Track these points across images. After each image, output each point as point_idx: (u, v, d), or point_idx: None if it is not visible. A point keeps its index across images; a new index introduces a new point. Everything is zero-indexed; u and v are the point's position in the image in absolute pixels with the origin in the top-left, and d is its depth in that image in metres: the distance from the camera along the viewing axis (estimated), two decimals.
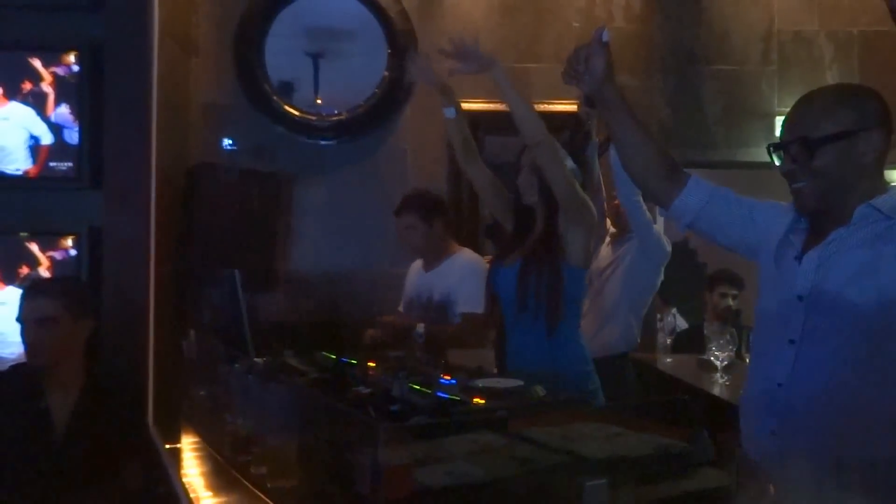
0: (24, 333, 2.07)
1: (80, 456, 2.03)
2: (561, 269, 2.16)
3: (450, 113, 2.43)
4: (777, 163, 1.42)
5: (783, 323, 1.39)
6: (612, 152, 2.81)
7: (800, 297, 1.37)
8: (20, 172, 2.68)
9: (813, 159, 1.35)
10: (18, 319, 2.08)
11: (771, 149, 1.43)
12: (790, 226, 1.45)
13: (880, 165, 1.39)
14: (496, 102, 3.68)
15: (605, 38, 1.47)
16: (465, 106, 3.67)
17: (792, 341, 1.37)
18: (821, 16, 3.85)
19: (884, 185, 1.39)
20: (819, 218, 1.41)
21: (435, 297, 2.75)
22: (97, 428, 2.06)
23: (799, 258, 1.41)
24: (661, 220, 3.19)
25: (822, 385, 1.33)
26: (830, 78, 3.80)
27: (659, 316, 3.89)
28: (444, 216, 2.86)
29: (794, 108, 1.43)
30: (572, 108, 3.41)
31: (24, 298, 2.11)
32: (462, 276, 2.73)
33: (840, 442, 1.31)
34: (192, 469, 1.96)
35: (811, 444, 1.33)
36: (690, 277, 4.57)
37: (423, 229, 2.77)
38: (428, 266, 2.85)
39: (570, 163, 2.23)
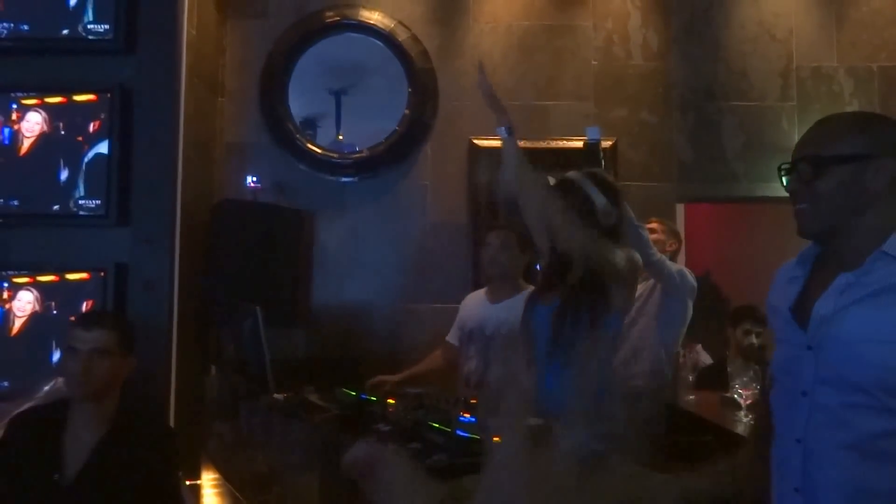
0: (71, 362, 2.04)
1: (93, 497, 1.97)
2: (600, 316, 2.03)
3: (502, 132, 2.30)
4: (785, 182, 1.37)
5: (794, 375, 1.33)
6: None
7: (809, 347, 1.31)
8: (50, 210, 2.75)
9: (817, 179, 1.31)
10: (68, 348, 2.06)
11: (781, 169, 1.38)
12: (795, 273, 1.40)
13: (893, 199, 1.30)
14: (523, 139, 3.75)
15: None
16: (483, 143, 3.75)
17: (804, 393, 1.31)
18: (839, 51, 3.86)
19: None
20: (827, 259, 1.36)
21: (502, 331, 2.69)
22: (115, 472, 2.00)
23: (807, 307, 1.34)
24: (682, 257, 3.18)
25: (839, 439, 1.27)
26: None
27: (682, 352, 3.84)
28: (529, 253, 2.82)
29: (810, 129, 1.40)
30: None
31: (77, 328, 2.09)
32: None
33: (864, 498, 1.26)
34: None
35: (835, 501, 1.28)
36: (713, 312, 4.53)
37: (514, 253, 2.77)
38: (496, 298, 2.81)
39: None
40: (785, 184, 1.37)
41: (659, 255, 2.85)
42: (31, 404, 2.25)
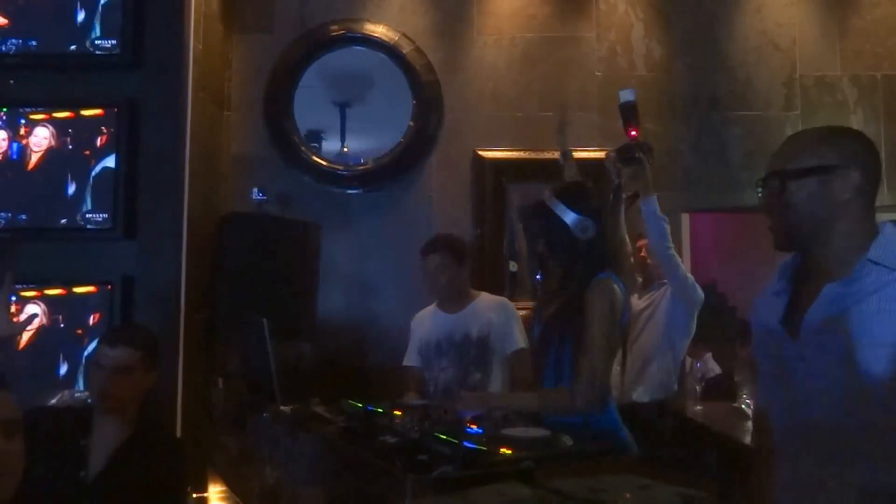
0: (96, 378, 2.09)
1: (113, 498, 2.02)
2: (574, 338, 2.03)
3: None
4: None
5: (791, 390, 1.35)
6: (644, 206, 2.80)
7: (802, 359, 1.33)
8: (58, 223, 2.77)
9: (785, 192, 1.33)
10: (93, 363, 2.11)
11: (758, 185, 1.40)
12: (777, 287, 1.41)
13: (863, 208, 1.33)
14: (518, 150, 3.77)
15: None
16: (487, 154, 3.77)
17: (805, 406, 1.32)
18: (843, 60, 3.87)
19: (870, 230, 1.32)
20: (809, 270, 1.37)
21: (473, 334, 2.69)
22: (133, 476, 2.05)
23: (796, 320, 1.35)
24: (688, 267, 3.17)
25: (846, 448, 1.28)
26: (854, 122, 3.80)
27: (689, 361, 3.84)
28: (469, 259, 2.85)
29: (782, 144, 1.43)
30: (594, 155, 3.46)
31: (104, 344, 2.12)
32: (498, 313, 2.71)
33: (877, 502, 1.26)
34: None
35: None
36: (720, 321, 4.52)
37: (454, 269, 2.75)
38: (451, 309, 2.79)
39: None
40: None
41: (673, 252, 2.85)
42: (52, 403, 2.28)
